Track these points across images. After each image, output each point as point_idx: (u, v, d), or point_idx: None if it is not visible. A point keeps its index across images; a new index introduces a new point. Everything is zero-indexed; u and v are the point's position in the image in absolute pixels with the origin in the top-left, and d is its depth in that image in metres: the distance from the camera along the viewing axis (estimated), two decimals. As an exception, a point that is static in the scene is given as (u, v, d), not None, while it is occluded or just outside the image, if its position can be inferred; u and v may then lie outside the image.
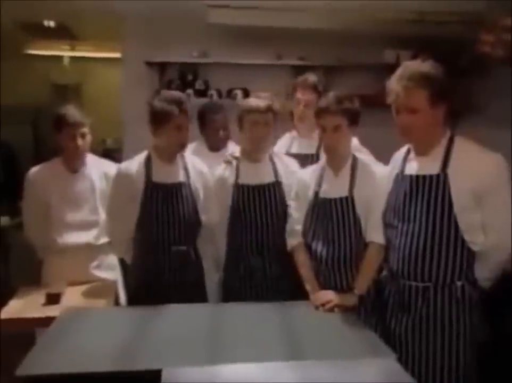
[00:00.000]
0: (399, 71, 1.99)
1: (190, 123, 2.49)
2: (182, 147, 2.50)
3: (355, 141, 2.57)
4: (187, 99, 2.51)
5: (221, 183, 2.53)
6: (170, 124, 2.40)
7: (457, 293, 1.98)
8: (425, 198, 1.99)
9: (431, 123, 1.98)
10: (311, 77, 2.81)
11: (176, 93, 2.56)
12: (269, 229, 2.45)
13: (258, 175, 2.49)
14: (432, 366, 2.00)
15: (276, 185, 2.48)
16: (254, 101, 2.44)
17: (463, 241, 1.96)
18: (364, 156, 2.47)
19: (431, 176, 1.99)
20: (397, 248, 2.07)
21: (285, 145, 2.87)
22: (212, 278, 2.60)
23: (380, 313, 2.18)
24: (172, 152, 2.51)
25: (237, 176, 2.49)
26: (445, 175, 1.96)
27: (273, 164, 2.53)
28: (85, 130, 2.76)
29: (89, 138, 2.78)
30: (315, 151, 2.71)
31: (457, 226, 1.94)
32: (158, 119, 2.41)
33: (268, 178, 2.49)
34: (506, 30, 3.49)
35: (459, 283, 1.98)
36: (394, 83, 1.97)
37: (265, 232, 2.45)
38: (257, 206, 2.45)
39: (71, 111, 2.73)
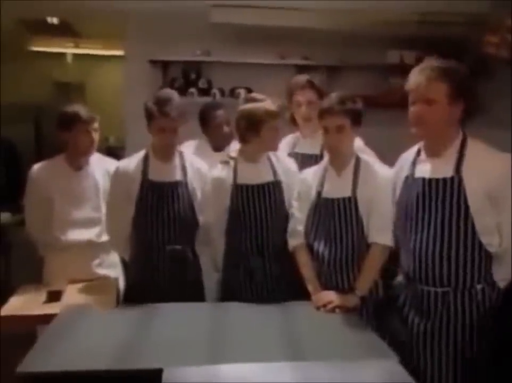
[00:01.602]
0: (422, 64, 2.00)
1: (185, 123, 2.46)
2: (167, 147, 2.49)
3: (359, 143, 2.55)
4: (178, 100, 2.44)
5: (218, 183, 2.48)
6: (153, 125, 2.41)
7: (478, 296, 1.94)
8: (439, 201, 1.95)
9: (446, 119, 1.95)
10: (304, 77, 2.80)
11: (164, 93, 2.49)
12: (269, 228, 2.43)
13: (257, 175, 2.46)
14: (453, 370, 1.95)
15: (275, 185, 2.45)
16: (270, 105, 2.36)
17: (480, 243, 1.92)
18: (368, 157, 2.45)
19: (445, 179, 1.94)
20: (412, 252, 2.02)
21: (289, 145, 2.86)
22: (211, 277, 2.60)
23: (381, 315, 2.16)
24: (162, 152, 2.50)
25: (235, 176, 2.46)
26: (460, 177, 1.92)
27: (271, 162, 2.50)
28: (97, 125, 2.81)
29: (98, 134, 2.82)
30: (319, 151, 2.70)
31: (474, 228, 1.91)
32: (146, 118, 2.43)
33: (267, 177, 2.46)
34: (510, 31, 3.48)
35: (478, 287, 1.94)
36: (416, 73, 1.97)
37: (265, 232, 2.42)
38: (256, 206, 2.43)
39: (81, 108, 2.77)
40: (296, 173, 2.52)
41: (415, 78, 1.97)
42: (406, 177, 2.09)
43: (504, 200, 1.91)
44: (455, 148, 1.98)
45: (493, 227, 1.94)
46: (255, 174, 2.46)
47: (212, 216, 2.53)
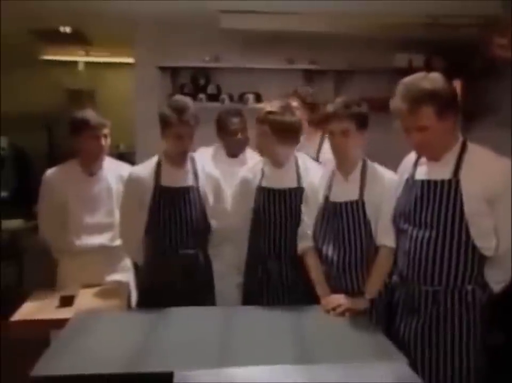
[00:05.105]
0: (400, 91, 1.95)
1: (197, 129, 2.46)
2: (182, 154, 2.51)
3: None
4: (193, 106, 2.46)
5: (243, 183, 2.55)
6: (169, 132, 2.42)
7: (468, 297, 1.97)
8: (436, 203, 1.97)
9: (443, 134, 1.95)
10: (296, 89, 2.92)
11: (181, 101, 2.49)
12: (287, 233, 2.45)
13: (282, 180, 2.49)
14: (443, 370, 1.98)
15: (298, 191, 2.47)
16: (288, 117, 2.39)
17: (474, 246, 1.94)
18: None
19: (442, 182, 1.97)
20: (407, 252, 2.06)
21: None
22: (224, 281, 2.62)
23: (390, 317, 2.17)
24: (176, 158, 2.52)
25: (261, 178, 2.51)
26: (457, 181, 1.94)
27: (298, 168, 2.51)
28: (107, 131, 2.82)
29: (108, 140, 2.84)
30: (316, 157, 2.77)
31: (468, 231, 1.93)
32: (161, 125, 2.44)
33: (291, 183, 2.48)
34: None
35: (469, 287, 1.97)
36: (398, 104, 1.94)
37: (283, 236, 2.45)
38: (277, 210, 2.45)
39: (91, 114, 2.79)
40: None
41: (399, 111, 1.94)
42: (407, 180, 2.11)
43: (502, 205, 1.92)
44: (455, 152, 1.99)
45: (489, 231, 1.94)
46: (280, 179, 2.49)
47: (237, 216, 2.57)
